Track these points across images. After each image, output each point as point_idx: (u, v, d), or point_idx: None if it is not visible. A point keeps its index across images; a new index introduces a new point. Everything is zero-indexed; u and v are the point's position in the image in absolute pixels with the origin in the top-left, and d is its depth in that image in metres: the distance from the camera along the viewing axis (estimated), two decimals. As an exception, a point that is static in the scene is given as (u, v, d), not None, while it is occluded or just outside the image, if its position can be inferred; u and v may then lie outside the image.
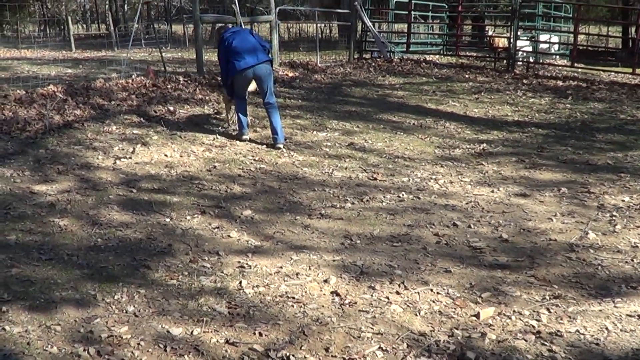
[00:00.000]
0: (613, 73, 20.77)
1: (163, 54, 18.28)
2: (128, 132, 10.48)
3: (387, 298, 5.57)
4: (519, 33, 20.68)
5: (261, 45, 10.68)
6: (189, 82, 14.40)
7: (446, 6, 28.32)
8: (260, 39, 10.88)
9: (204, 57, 15.82)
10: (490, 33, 24.71)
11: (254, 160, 9.87)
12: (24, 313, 5.07)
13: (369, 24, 21.35)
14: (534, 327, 5.08)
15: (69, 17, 34.48)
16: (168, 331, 4.89)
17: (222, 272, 6.00)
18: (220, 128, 11.37)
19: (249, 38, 10.65)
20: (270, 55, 11.06)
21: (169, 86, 13.88)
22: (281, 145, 10.60)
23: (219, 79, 11.51)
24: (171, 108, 12.17)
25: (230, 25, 12.30)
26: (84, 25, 60.47)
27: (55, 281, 5.65)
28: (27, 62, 22.14)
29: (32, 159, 8.97)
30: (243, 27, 13.99)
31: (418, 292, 5.69)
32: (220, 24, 11.22)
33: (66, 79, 15.54)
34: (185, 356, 4.57)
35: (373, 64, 20.40)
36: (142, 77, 14.43)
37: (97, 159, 9.25)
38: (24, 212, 7.23)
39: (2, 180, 8.14)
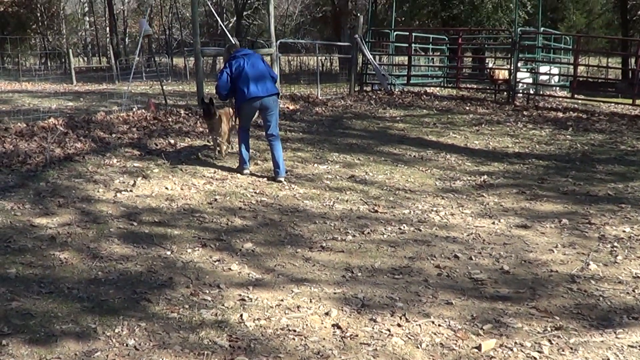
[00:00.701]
0: (613, 104, 20.83)
1: (164, 87, 18.34)
2: (129, 165, 10.49)
3: (389, 330, 5.55)
4: (519, 65, 20.75)
5: (270, 75, 10.67)
6: (190, 115, 14.45)
7: (446, 39, 28.48)
8: (270, 68, 10.85)
9: (204, 90, 15.86)
10: (490, 65, 24.80)
11: (255, 192, 9.86)
12: (24, 346, 5.05)
13: (370, 56, 21.43)
14: (535, 358, 5.07)
15: (70, 50, 34.64)
16: (169, 365, 4.88)
17: (223, 305, 5.98)
18: (215, 158, 11.37)
19: (259, 65, 10.59)
20: (277, 86, 11.02)
21: (169, 119, 13.92)
22: (282, 179, 10.58)
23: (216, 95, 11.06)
24: (172, 141, 12.19)
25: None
26: (85, 58, 60.79)
27: (56, 314, 5.64)
28: (28, 94, 22.23)
29: (33, 192, 8.98)
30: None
31: (419, 325, 5.67)
32: (232, 43, 11.09)
33: (67, 112, 15.58)
34: (186, 390, 4.56)
35: (374, 97, 20.47)
36: (143, 110, 14.48)
37: (98, 191, 9.25)
38: (25, 245, 7.23)
39: (3, 213, 8.14)
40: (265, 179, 10.63)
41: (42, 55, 46.23)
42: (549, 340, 5.37)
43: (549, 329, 5.60)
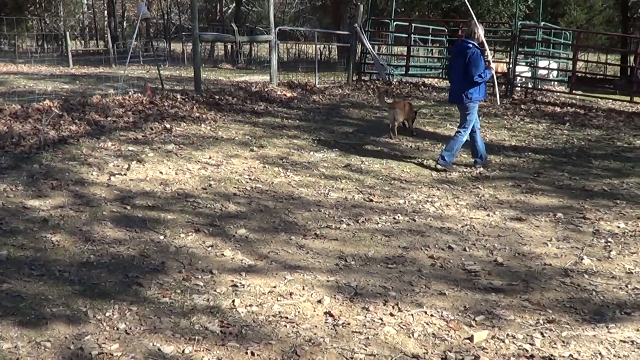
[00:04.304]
0: (611, 101, 20.70)
1: (161, 72, 18.28)
2: (123, 149, 10.46)
3: (381, 319, 5.54)
4: (518, 58, 20.69)
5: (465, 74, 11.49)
6: (187, 100, 14.41)
7: (446, 30, 28.38)
8: (469, 64, 11.74)
9: (202, 76, 15.82)
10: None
11: (250, 179, 9.83)
12: (14, 329, 5.03)
13: (369, 46, 21.35)
14: (527, 351, 5.06)
15: (68, 33, 34.44)
16: (159, 349, 4.86)
17: (215, 291, 5.96)
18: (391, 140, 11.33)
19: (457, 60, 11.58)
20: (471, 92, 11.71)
21: (166, 104, 13.88)
22: (434, 165, 11.34)
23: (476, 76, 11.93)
24: (168, 125, 12.15)
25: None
26: (82, 41, 60.62)
27: (46, 297, 5.62)
28: (24, 76, 22.17)
29: (26, 173, 8.94)
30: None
31: (412, 314, 5.66)
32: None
33: (63, 95, 15.53)
34: (176, 374, 4.54)
35: (372, 86, 20.42)
36: (139, 94, 14.44)
37: (92, 174, 9.22)
38: (17, 227, 7.20)
39: (-4, 194, 8.12)
40: (261, 165, 10.60)
41: (39, 37, 46.07)
42: (541, 333, 5.36)
43: (541, 321, 5.59)
